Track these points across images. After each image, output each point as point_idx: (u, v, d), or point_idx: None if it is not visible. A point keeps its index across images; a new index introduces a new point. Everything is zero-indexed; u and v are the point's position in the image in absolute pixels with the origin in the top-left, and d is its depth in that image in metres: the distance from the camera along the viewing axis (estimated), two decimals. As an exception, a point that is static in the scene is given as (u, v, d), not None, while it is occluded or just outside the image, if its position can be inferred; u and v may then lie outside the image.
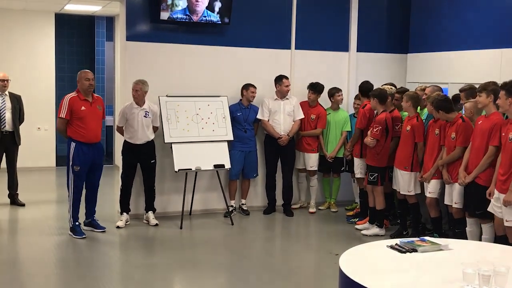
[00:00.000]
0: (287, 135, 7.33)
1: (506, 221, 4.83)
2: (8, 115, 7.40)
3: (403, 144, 6.30)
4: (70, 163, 6.21)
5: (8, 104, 7.42)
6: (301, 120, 7.45)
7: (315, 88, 7.47)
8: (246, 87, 7.30)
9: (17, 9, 9.96)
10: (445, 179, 5.81)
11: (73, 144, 6.17)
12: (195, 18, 7.04)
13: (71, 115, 6.11)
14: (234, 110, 7.32)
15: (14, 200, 7.60)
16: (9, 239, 6.50)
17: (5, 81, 7.42)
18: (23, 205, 7.57)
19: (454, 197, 5.66)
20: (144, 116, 6.63)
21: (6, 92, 7.46)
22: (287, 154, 7.46)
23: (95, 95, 6.38)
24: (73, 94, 6.21)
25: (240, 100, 7.36)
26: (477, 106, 5.54)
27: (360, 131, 6.86)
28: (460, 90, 6.11)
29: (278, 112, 7.33)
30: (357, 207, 7.45)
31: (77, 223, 6.27)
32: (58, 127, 6.29)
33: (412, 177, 6.25)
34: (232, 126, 7.24)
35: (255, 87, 7.30)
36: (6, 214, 7.31)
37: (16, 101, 7.50)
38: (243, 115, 7.31)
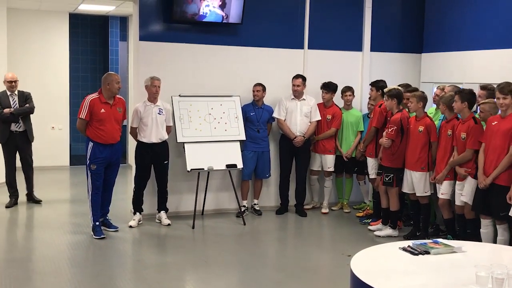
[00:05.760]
0: (303, 136, 7.31)
1: None
2: None
3: (416, 145, 6.20)
4: (88, 162, 6.25)
5: (18, 104, 7.43)
6: (317, 121, 7.41)
7: (328, 87, 7.42)
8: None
9: (31, 9, 10.03)
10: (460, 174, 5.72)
11: (91, 144, 6.21)
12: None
13: (90, 117, 6.15)
14: (247, 110, 7.30)
15: (31, 197, 7.70)
16: (23, 236, 6.56)
17: (13, 82, 7.43)
18: (39, 201, 7.67)
19: (465, 197, 5.60)
20: (158, 113, 6.62)
21: (16, 92, 7.48)
22: (302, 154, 7.43)
23: (117, 96, 6.37)
24: (94, 95, 6.22)
25: (253, 100, 7.36)
26: (494, 107, 5.46)
27: (376, 130, 6.81)
28: (482, 88, 5.94)
29: (295, 112, 7.31)
30: (367, 207, 7.42)
31: (97, 223, 6.29)
32: (78, 127, 6.30)
33: (428, 177, 6.19)
34: (245, 126, 7.23)
35: (259, 85, 7.26)
36: (21, 212, 7.36)
37: (24, 98, 7.49)
38: (256, 115, 7.30)
